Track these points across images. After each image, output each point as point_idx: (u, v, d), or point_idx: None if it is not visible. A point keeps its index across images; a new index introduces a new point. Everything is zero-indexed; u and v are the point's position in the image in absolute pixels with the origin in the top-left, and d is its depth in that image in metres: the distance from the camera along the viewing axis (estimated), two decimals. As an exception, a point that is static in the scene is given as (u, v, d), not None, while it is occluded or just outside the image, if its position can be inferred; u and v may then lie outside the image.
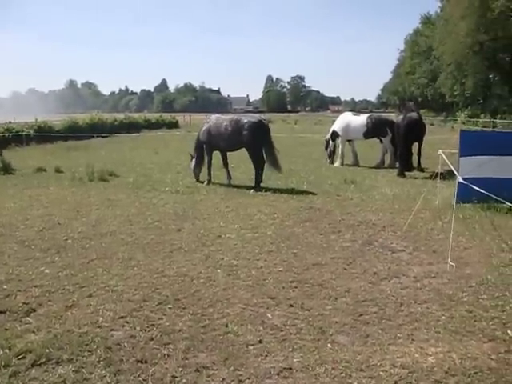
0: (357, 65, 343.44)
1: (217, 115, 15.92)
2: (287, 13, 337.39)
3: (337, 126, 20.25)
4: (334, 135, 20.22)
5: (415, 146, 17.17)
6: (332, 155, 20.20)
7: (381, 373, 4.48)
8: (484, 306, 5.95)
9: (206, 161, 15.17)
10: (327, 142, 20.46)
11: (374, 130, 19.27)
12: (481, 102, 66.91)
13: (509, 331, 5.29)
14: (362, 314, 5.74)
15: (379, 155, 19.53)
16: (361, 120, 19.85)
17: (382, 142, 19.43)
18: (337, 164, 19.65)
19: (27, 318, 5.65)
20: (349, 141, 20.27)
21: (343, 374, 4.46)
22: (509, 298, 6.19)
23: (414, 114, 16.85)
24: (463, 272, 7.14)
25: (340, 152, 19.91)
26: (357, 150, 20.36)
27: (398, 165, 17.26)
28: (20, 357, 4.75)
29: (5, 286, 6.60)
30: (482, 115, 55.04)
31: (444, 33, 64.65)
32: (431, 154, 16.82)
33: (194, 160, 15.45)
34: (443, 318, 5.65)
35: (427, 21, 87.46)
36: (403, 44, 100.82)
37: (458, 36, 57.77)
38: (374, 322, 5.56)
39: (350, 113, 22.33)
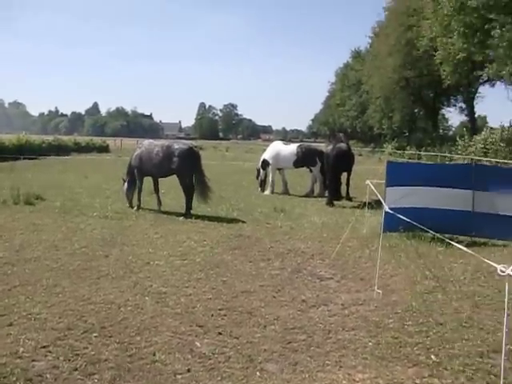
0: (289, 95, 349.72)
1: (149, 141, 15.81)
2: (223, 40, 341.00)
3: (267, 154, 20.44)
4: (265, 164, 20.39)
5: (344, 175, 17.55)
6: (263, 184, 20.32)
7: (308, 401, 4.49)
8: (409, 332, 6.10)
9: (136, 186, 14.97)
10: (258, 170, 20.59)
11: (304, 159, 19.58)
12: (407, 134, 69.55)
13: (432, 356, 5.45)
14: (291, 342, 5.77)
15: (309, 184, 19.81)
16: (291, 149, 20.12)
17: (311, 171, 19.72)
18: (267, 192, 19.80)
19: None
20: (279, 169, 20.46)
21: (271, 403, 4.45)
22: (432, 323, 6.39)
23: (342, 145, 17.28)
24: (389, 299, 7.31)
25: (270, 180, 20.08)
26: (287, 178, 20.56)
27: (327, 194, 17.58)
28: None
29: None
30: (408, 147, 57.04)
31: (373, 68, 67.10)
32: (359, 184, 17.21)
33: (126, 184, 15.24)
34: (370, 344, 5.75)
35: (357, 55, 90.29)
36: (334, 77, 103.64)
37: (386, 71, 60.13)
38: (303, 349, 5.59)
39: (281, 142, 22.68)
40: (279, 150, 20.38)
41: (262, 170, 20.41)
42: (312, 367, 5.16)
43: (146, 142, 15.57)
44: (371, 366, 5.21)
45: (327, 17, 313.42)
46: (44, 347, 5.43)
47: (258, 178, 20.58)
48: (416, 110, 70.45)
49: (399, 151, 56.20)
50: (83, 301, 6.89)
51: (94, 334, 5.81)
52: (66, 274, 8.10)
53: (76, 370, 4.96)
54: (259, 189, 20.25)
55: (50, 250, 9.63)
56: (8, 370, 4.89)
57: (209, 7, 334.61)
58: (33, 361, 5.12)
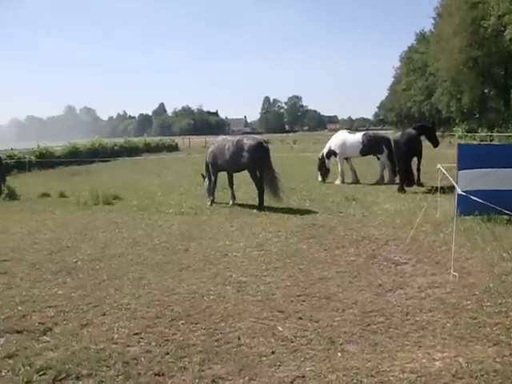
0: (353, 83, 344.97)
1: (222, 137, 16.24)
2: (280, 33, 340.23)
3: (333, 144, 20.46)
4: (330, 153, 20.45)
5: (414, 161, 17.40)
6: (326, 173, 20.38)
7: (390, 378, 4.65)
8: (488, 313, 6.12)
9: (211, 181, 15.39)
10: (322, 160, 20.63)
11: (370, 147, 19.55)
12: (477, 116, 67.39)
13: (513, 335, 5.46)
14: (370, 324, 5.92)
15: (378, 172, 19.70)
16: (357, 138, 20.12)
17: (378, 159, 19.63)
18: (337, 182, 19.85)
19: (44, 337, 5.83)
20: (346, 159, 20.46)
21: (354, 380, 4.63)
22: (511, 304, 6.37)
23: (411, 131, 17.15)
24: (466, 281, 7.31)
25: (340, 170, 20.11)
26: (355, 167, 20.52)
27: (397, 180, 17.51)
28: (41, 373, 4.92)
29: (20, 308, 6.77)
30: (479, 129, 55.36)
31: (438, 49, 65.28)
32: (430, 169, 17.05)
33: (206, 180, 15.70)
34: (448, 325, 5.82)
35: (422, 38, 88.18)
36: (398, 62, 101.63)
37: (452, 52, 58.40)
38: (382, 330, 5.74)
39: (346, 131, 22.63)
40: (345, 139, 20.38)
41: (326, 160, 20.44)
42: (391, 347, 5.30)
43: (220, 138, 16.01)
44: (450, 346, 5.30)
45: (388, 1, 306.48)
46: (136, 334, 5.80)
47: (320, 167, 20.55)
48: (486, 90, 68.22)
49: (470, 134, 54.56)
50: (168, 291, 7.26)
51: (181, 322, 6.14)
52: (149, 268, 8.52)
53: (167, 353, 5.29)
54: (320, 178, 20.28)
55: (133, 246, 10.11)
56: (106, 354, 5.29)
57: (268, 1, 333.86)
58: (127, 346, 5.50)
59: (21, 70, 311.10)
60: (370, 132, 22.65)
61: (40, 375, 4.89)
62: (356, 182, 19.94)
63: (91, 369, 4.98)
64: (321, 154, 20.66)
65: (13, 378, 4.86)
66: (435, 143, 18.80)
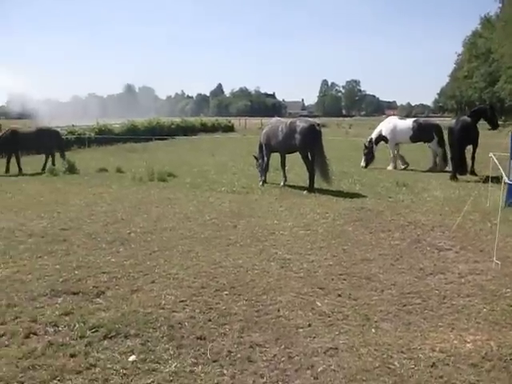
0: (413, 69, 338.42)
1: (277, 118, 16.50)
2: (342, 16, 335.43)
3: (384, 129, 20.42)
4: (380, 139, 20.43)
5: (469, 150, 17.23)
6: (371, 159, 20.24)
7: (420, 355, 4.84)
8: (526, 301, 6.20)
9: (264, 161, 15.69)
10: (370, 145, 20.41)
11: (421, 133, 19.51)
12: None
13: (547, 324, 5.54)
14: (406, 305, 6.10)
15: (431, 159, 19.56)
16: (407, 124, 20.07)
17: (429, 146, 19.50)
18: (390, 167, 19.84)
19: (97, 299, 6.26)
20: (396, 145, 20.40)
21: (385, 355, 4.84)
22: (550, 294, 6.42)
23: (467, 118, 16.96)
24: (508, 270, 7.36)
25: (392, 156, 20.08)
26: (402, 153, 20.43)
27: (448, 168, 17.43)
28: (93, 330, 5.34)
29: (76, 272, 7.24)
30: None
31: (503, 35, 63.50)
32: (485, 159, 16.84)
33: (259, 162, 16.03)
34: (484, 310, 5.94)
35: (487, 22, 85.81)
36: (461, 47, 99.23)
37: (518, 38, 56.71)
38: (417, 311, 5.91)
39: (396, 117, 22.52)
40: (395, 124, 20.32)
41: (374, 146, 20.41)
42: (425, 327, 5.48)
43: (274, 119, 16.27)
44: (483, 330, 5.43)
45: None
46: (182, 301, 6.16)
47: (369, 152, 20.36)
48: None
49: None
50: (215, 264, 7.60)
51: (225, 292, 6.46)
52: (198, 242, 8.88)
53: (210, 320, 5.62)
54: (363, 164, 20.16)
55: (184, 221, 10.49)
56: (153, 317, 5.67)
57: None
58: (173, 312, 5.86)
59: (83, 45, 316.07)
60: (421, 119, 22.44)
61: (93, 332, 5.30)
62: (406, 166, 19.83)
63: (139, 329, 5.37)
64: (369, 139, 20.58)
65: (69, 332, 5.30)
66: (494, 124, 18.29)
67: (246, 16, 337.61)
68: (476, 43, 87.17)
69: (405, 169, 19.69)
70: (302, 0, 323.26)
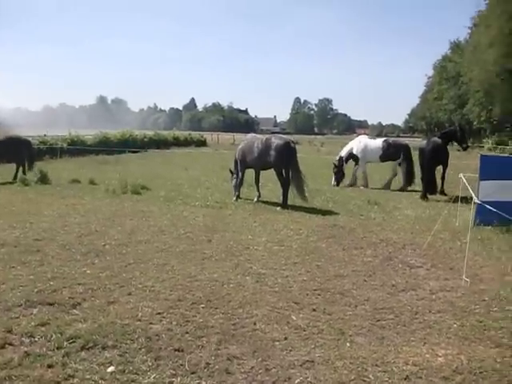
0: (384, 89, 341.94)
1: (252, 134, 16.66)
2: (316, 35, 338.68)
3: (355, 148, 20.70)
4: (350, 157, 20.74)
5: (439, 170, 17.58)
6: (341, 178, 20.47)
7: (394, 368, 4.97)
8: (494, 318, 6.39)
9: (239, 177, 15.81)
10: (340, 163, 20.60)
11: (390, 153, 19.91)
12: (508, 128, 66.78)
13: (515, 339, 5.73)
14: (380, 320, 6.24)
15: (402, 178, 19.83)
16: (377, 143, 20.45)
17: (399, 164, 19.81)
18: (359, 184, 20.16)
19: (74, 310, 6.26)
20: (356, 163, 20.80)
21: (360, 368, 4.96)
22: (518, 311, 6.63)
23: (437, 139, 17.32)
24: (477, 287, 7.57)
25: (362, 174, 20.39)
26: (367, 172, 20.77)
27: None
28: (70, 341, 5.36)
29: (51, 283, 7.23)
30: (510, 142, 54.90)
31: (472, 60, 64.81)
32: (455, 179, 17.18)
33: (234, 176, 16.13)
34: (455, 326, 6.12)
35: (456, 47, 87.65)
36: (431, 70, 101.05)
37: (487, 63, 57.97)
38: (390, 326, 6.05)
39: (366, 136, 22.93)
40: (366, 143, 20.66)
41: (344, 164, 20.69)
42: (398, 342, 5.62)
43: (250, 135, 16.44)
44: (454, 345, 5.59)
45: (424, 9, 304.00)
46: (159, 314, 6.21)
47: (338, 170, 20.47)
48: (519, 104, 67.60)
49: (500, 146, 54.14)
50: (190, 278, 7.65)
51: (202, 305, 6.53)
52: (173, 255, 8.92)
53: (187, 333, 5.69)
54: (334, 182, 20.38)
55: (158, 234, 10.52)
56: (131, 329, 5.71)
57: (304, 2, 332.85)
58: (150, 324, 5.91)
59: (54, 56, 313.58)
60: (391, 139, 22.83)
61: (70, 343, 5.32)
62: (366, 186, 20.14)
63: (116, 341, 5.40)
64: (338, 158, 20.84)
65: (45, 343, 5.31)
66: (464, 145, 18.55)
67: (220, 32, 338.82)
68: (446, 67, 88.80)
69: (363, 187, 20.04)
70: (277, 18, 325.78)
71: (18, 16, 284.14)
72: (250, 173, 16.04)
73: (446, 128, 21.33)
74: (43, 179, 18.51)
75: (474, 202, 8.83)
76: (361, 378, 4.77)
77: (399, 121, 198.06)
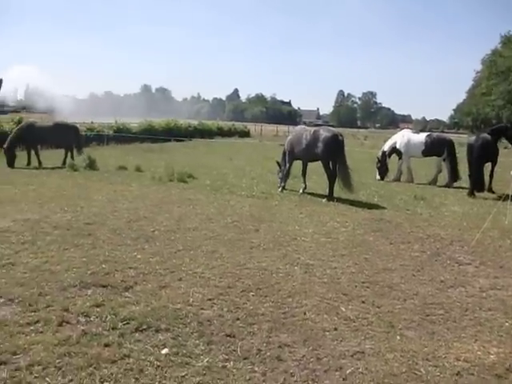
0: (430, 83, 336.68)
1: (301, 126, 16.70)
2: (361, 29, 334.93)
3: (399, 143, 20.52)
4: (393, 152, 20.59)
5: (487, 167, 17.30)
6: (386, 172, 20.35)
7: (445, 363, 4.95)
8: (547, 317, 6.30)
9: (286, 168, 15.88)
10: (383, 158, 20.50)
11: (433, 148, 19.64)
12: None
13: None
14: (429, 315, 6.21)
15: (446, 174, 19.57)
16: (420, 138, 20.21)
17: (444, 160, 19.54)
18: (403, 179, 19.98)
19: (126, 293, 6.41)
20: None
21: (411, 362, 4.96)
22: None
23: (487, 135, 17.03)
24: (529, 286, 7.47)
25: (406, 168, 20.19)
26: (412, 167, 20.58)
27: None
28: (125, 323, 5.50)
29: (104, 266, 7.40)
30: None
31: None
32: (503, 177, 16.93)
33: (282, 168, 16.20)
34: (506, 324, 6.05)
35: (507, 41, 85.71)
36: (480, 65, 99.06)
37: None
38: (440, 322, 6.03)
39: (409, 130, 22.63)
40: (409, 138, 20.43)
41: (388, 158, 20.55)
42: (448, 338, 5.59)
43: (299, 127, 16.54)
44: (507, 343, 5.53)
45: (474, 2, 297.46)
46: (210, 300, 6.31)
47: (382, 164, 20.38)
48: None
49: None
50: (239, 266, 7.74)
51: (251, 293, 6.61)
52: (222, 243, 9.03)
53: (238, 319, 5.77)
54: (378, 177, 20.27)
55: (206, 222, 10.65)
56: (183, 313, 5.82)
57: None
58: (201, 309, 6.00)
59: (99, 45, 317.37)
60: (435, 133, 22.49)
61: (124, 324, 5.46)
62: (411, 181, 19.94)
63: (169, 324, 5.51)
64: (381, 152, 20.71)
65: (101, 323, 5.45)
66: None
67: (264, 25, 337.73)
68: (496, 61, 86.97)
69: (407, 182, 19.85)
70: (321, 12, 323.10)
71: (65, 7, 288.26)
72: (295, 165, 16.07)
73: (494, 124, 20.95)
74: (91, 165, 18.89)
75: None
76: (412, 372, 4.77)
77: (444, 116, 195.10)
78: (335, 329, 5.64)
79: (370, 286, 7.18)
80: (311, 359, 4.92)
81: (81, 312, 5.72)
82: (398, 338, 5.51)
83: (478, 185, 16.63)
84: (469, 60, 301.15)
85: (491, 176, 17.45)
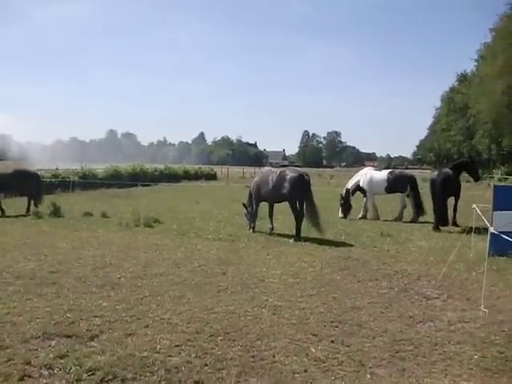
0: (393, 121, 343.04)
1: (267, 168, 16.80)
2: (325, 68, 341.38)
3: (362, 180, 20.75)
4: (357, 189, 20.82)
5: (451, 202, 17.57)
6: (349, 209, 20.42)
7: (416, 400, 4.93)
8: (515, 349, 6.34)
9: (253, 209, 15.91)
10: (347, 195, 20.65)
11: (395, 184, 19.96)
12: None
13: (539, 371, 5.68)
14: (399, 352, 6.20)
15: (411, 210, 19.77)
16: (382, 175, 20.53)
17: (407, 196, 19.82)
18: (369, 217, 20.15)
19: (92, 343, 6.27)
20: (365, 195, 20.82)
21: (382, 400, 4.92)
22: (540, 342, 6.57)
23: (448, 170, 17.37)
24: (496, 318, 7.52)
25: (372, 206, 20.40)
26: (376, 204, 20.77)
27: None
28: (90, 373, 5.37)
29: (68, 315, 7.25)
30: (520, 172, 54.85)
31: (480, 91, 65.21)
32: (466, 211, 17.16)
33: (248, 209, 16.18)
34: (475, 357, 6.07)
35: (463, 79, 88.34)
36: (439, 101, 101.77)
37: (494, 94, 58.27)
38: (410, 358, 6.01)
39: (372, 168, 22.98)
40: (372, 176, 20.72)
41: (351, 196, 20.75)
42: (419, 374, 5.58)
43: (264, 168, 16.69)
44: (476, 376, 5.55)
45: (431, 42, 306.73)
46: (177, 346, 6.20)
47: (345, 202, 20.50)
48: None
49: (510, 177, 54.05)
50: (207, 310, 7.65)
51: (220, 338, 6.51)
52: (189, 288, 8.93)
53: (206, 365, 5.67)
54: (341, 215, 20.36)
55: (173, 267, 10.53)
56: (150, 361, 5.70)
57: (312, 36, 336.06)
58: (169, 356, 5.89)
59: (62, 90, 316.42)
60: (396, 170, 22.89)
61: (89, 375, 5.32)
62: (377, 218, 20.13)
63: (136, 373, 5.39)
64: (345, 190, 20.92)
65: (64, 375, 5.31)
66: (476, 177, 19.09)
67: (227, 67, 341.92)
68: (453, 98, 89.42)
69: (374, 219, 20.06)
70: (283, 53, 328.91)
71: (30, 52, 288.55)
72: (262, 206, 16.12)
73: (456, 159, 21.56)
74: (56, 212, 18.65)
75: (490, 233, 8.79)
76: (383, 411, 4.73)
77: (408, 153, 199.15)
78: (305, 370, 5.58)
79: (338, 325, 7.15)
80: (281, 403, 4.84)
81: (43, 364, 5.57)
82: (369, 376, 5.48)
83: (442, 219, 16.87)
84: (429, 97, 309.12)
85: (455, 210, 17.73)
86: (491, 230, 8.65)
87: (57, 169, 34.27)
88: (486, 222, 9.22)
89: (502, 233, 8.68)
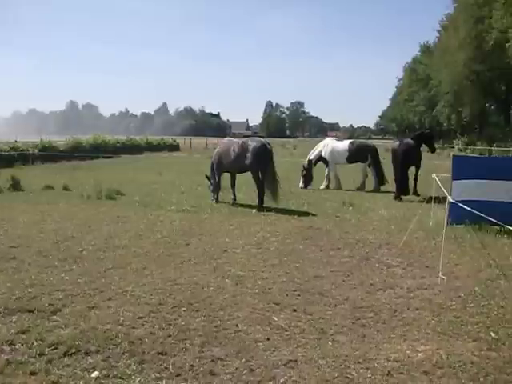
0: (356, 92, 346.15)
1: (228, 138, 16.72)
2: (288, 38, 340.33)
3: (324, 151, 20.94)
4: (319, 160, 21.04)
5: (412, 171, 17.83)
6: (310, 180, 20.59)
7: (376, 365, 5.05)
8: (470, 313, 6.54)
9: (215, 181, 15.90)
10: (309, 166, 20.77)
11: (356, 154, 20.29)
12: (477, 129, 67.96)
13: (492, 333, 5.87)
14: (360, 319, 6.32)
15: (372, 179, 20.06)
16: (344, 145, 20.78)
17: (369, 166, 20.18)
18: (332, 187, 20.35)
19: (54, 317, 6.22)
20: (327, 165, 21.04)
21: (343, 366, 5.03)
22: (493, 306, 6.79)
23: (410, 141, 17.60)
24: (453, 284, 7.72)
25: (333, 176, 20.61)
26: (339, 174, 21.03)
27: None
28: (52, 348, 5.32)
29: (30, 290, 7.16)
30: (479, 143, 55.84)
31: (441, 62, 65.97)
32: (427, 180, 17.42)
33: (211, 181, 16.16)
34: (433, 322, 6.24)
35: (426, 50, 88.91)
36: (402, 72, 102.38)
37: (456, 66, 59.03)
38: (370, 324, 6.14)
39: (333, 139, 23.16)
40: (333, 146, 20.91)
41: (313, 166, 20.93)
42: (379, 339, 5.71)
43: (226, 139, 16.55)
44: (433, 340, 5.71)
45: (394, 11, 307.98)
46: (140, 318, 6.20)
47: (307, 172, 20.64)
48: (487, 105, 68.95)
49: (470, 147, 54.95)
50: (170, 281, 7.66)
51: (183, 309, 6.54)
52: (152, 260, 8.91)
53: (170, 336, 5.69)
54: (301, 185, 20.50)
55: (136, 239, 10.48)
56: (113, 333, 5.70)
57: (273, 5, 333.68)
58: (132, 328, 5.90)
59: (23, 63, 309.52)
60: (358, 140, 23.09)
61: (52, 349, 5.28)
62: (339, 187, 20.37)
63: (99, 346, 5.38)
64: (307, 161, 21.06)
65: (27, 350, 5.26)
66: (432, 149, 19.71)
67: (191, 38, 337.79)
68: (416, 69, 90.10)
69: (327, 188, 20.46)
70: (248, 21, 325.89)
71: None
72: (224, 176, 16.11)
73: (417, 130, 21.95)
74: (16, 186, 18.26)
75: (448, 202, 8.96)
76: (344, 376, 4.84)
77: (371, 123, 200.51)
78: (267, 339, 5.66)
79: (301, 294, 7.24)
80: (244, 371, 4.91)
81: (5, 340, 5.49)
82: (330, 343, 5.58)
83: (403, 188, 17.12)
84: (393, 68, 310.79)
85: (415, 179, 18.00)
86: (450, 199, 8.81)
87: (16, 141, 33.60)
88: (445, 192, 9.37)
89: (459, 202, 8.86)
